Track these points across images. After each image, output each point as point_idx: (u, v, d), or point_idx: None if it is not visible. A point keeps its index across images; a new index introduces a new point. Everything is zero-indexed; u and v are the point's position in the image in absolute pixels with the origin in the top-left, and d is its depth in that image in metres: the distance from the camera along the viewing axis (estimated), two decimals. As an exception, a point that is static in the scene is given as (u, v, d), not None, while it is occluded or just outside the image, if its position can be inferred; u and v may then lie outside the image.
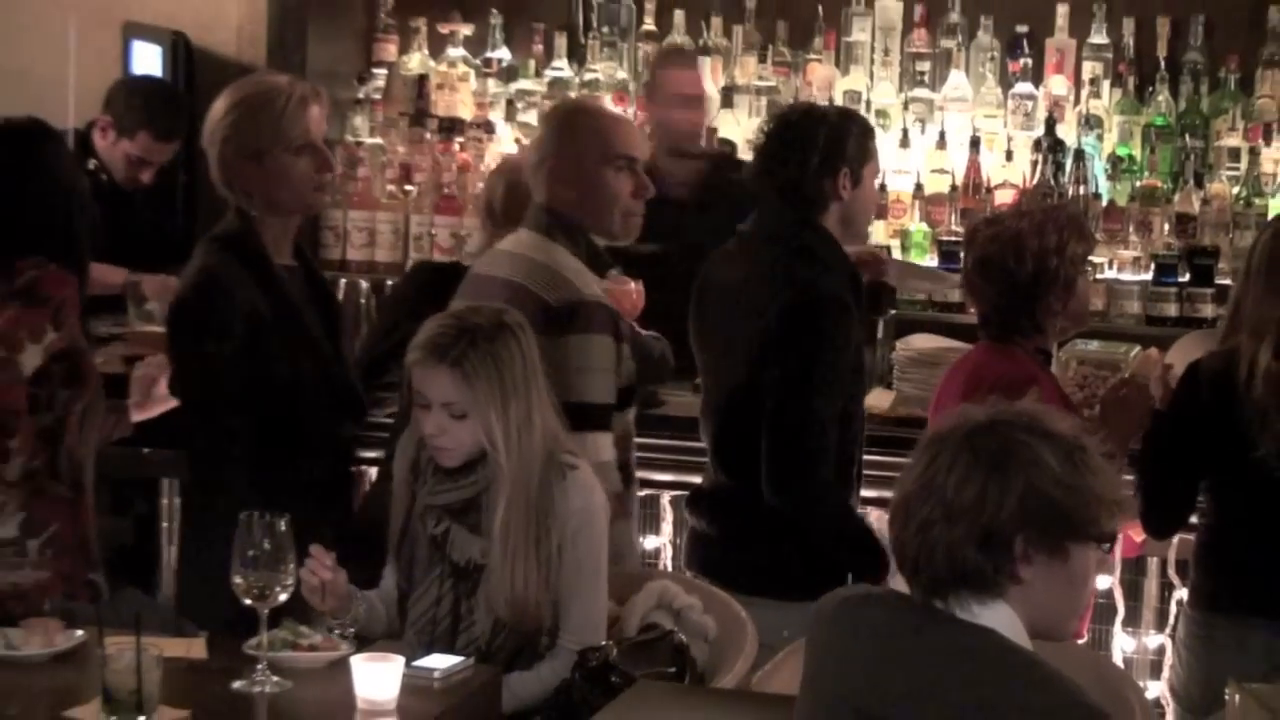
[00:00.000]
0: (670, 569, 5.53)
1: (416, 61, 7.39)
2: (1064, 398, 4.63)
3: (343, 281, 6.76)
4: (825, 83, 7.10)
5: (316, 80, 5.04)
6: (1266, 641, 4.34)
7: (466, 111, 7.25)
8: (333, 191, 5.93)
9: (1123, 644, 5.48)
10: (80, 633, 3.81)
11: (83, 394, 4.50)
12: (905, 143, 7.02)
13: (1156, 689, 5.10)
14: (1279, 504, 4.37)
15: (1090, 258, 4.72)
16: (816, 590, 3.08)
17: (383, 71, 7.37)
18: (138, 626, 3.44)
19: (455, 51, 7.37)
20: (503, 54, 7.40)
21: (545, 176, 4.60)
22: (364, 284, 6.80)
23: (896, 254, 6.71)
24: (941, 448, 2.80)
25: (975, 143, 6.89)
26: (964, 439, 2.79)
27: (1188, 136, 6.83)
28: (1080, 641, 4.55)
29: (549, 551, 3.93)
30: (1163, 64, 6.94)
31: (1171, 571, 5.36)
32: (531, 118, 7.13)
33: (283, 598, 3.65)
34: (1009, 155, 6.88)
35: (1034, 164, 6.80)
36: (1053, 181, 6.76)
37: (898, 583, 2.91)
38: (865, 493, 4.84)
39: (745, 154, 6.32)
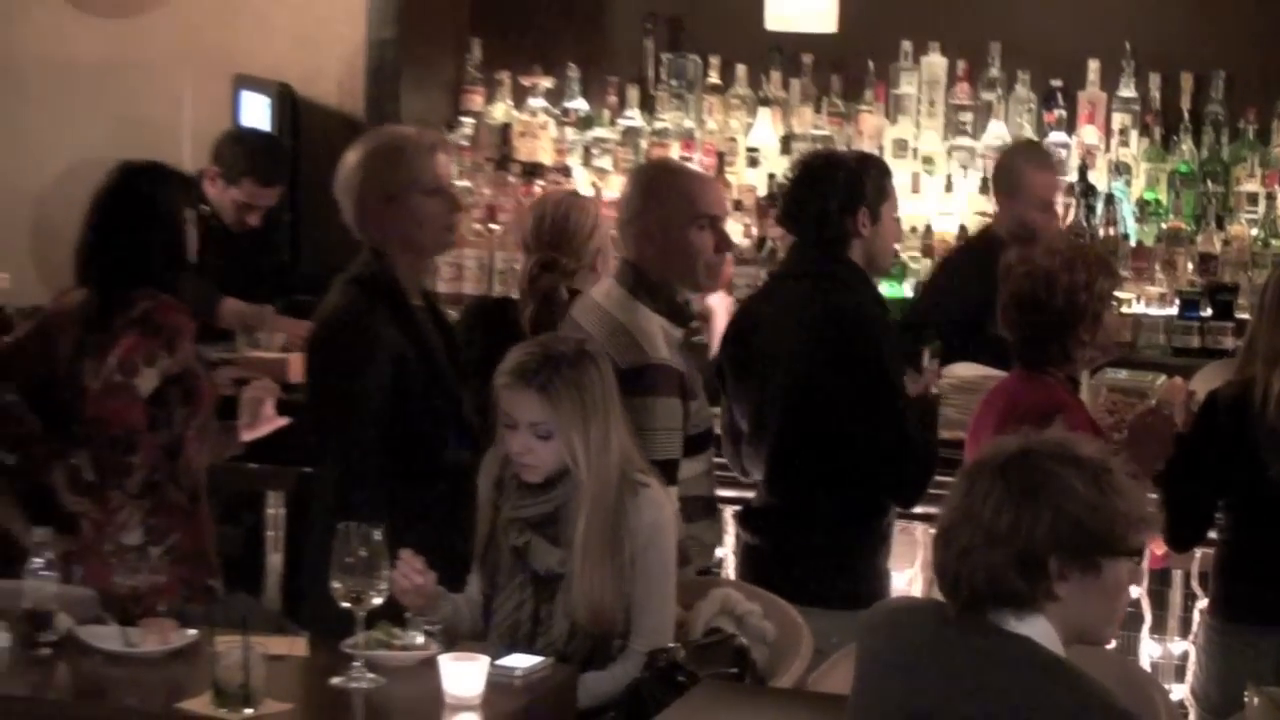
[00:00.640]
0: (733, 578, 5.52)
1: (501, 111, 7.41)
2: (1091, 422, 4.61)
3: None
4: (875, 132, 7.11)
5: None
6: (1280, 646, 4.34)
7: (546, 157, 7.27)
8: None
9: (1150, 650, 5.44)
10: (193, 631, 3.83)
11: (198, 413, 4.55)
12: (949, 188, 7.02)
13: (1181, 692, 5.08)
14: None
15: (1118, 293, 4.70)
16: (862, 601, 3.09)
17: (470, 120, 7.39)
18: (245, 627, 3.48)
19: (536, 102, 7.39)
20: (579, 104, 7.42)
21: (633, 236, 4.54)
22: (453, 314, 6.80)
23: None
24: (978, 478, 2.82)
25: (1014, 188, 6.87)
26: (998, 470, 2.80)
27: (1209, 182, 6.83)
28: (1110, 647, 4.54)
29: (623, 562, 3.93)
30: (1186, 116, 6.93)
31: (1194, 583, 5.33)
32: (606, 163, 7.20)
33: (376, 601, 3.67)
34: (1045, 199, 6.86)
35: (1067, 207, 6.78)
36: (1085, 223, 6.74)
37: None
38: (914, 509, 4.86)
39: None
